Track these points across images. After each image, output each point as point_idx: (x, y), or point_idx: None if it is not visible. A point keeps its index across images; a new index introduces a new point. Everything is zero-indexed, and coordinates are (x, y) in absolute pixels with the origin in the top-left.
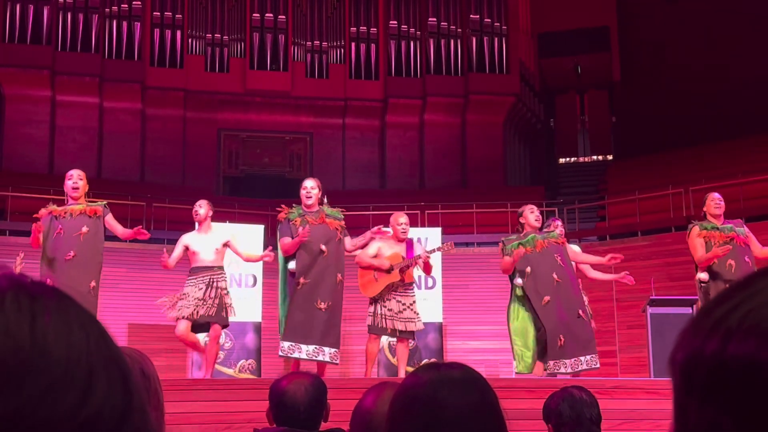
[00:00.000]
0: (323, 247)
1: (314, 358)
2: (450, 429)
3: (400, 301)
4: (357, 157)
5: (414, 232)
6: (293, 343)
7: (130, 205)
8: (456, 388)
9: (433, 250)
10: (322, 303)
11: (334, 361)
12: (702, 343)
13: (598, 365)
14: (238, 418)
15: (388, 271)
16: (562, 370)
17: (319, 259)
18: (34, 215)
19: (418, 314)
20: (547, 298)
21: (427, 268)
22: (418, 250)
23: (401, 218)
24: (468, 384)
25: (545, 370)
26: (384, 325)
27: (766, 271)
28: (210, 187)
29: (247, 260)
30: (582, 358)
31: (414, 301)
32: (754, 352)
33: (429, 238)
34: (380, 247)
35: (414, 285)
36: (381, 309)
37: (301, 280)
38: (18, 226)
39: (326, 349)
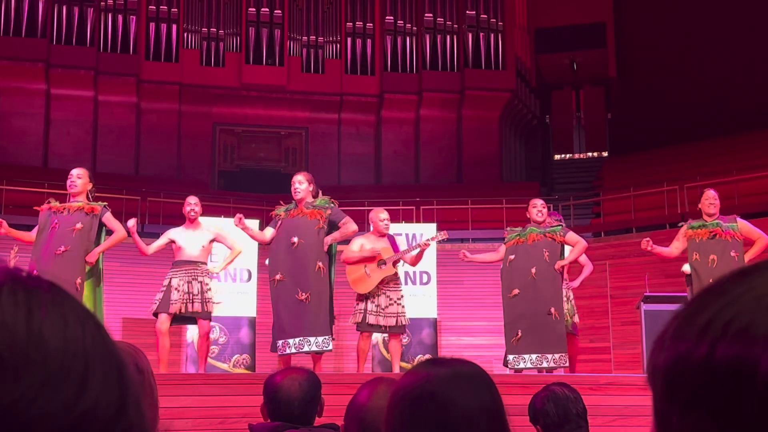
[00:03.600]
0: (294, 240)
1: (300, 350)
2: (461, 427)
3: (389, 296)
4: (352, 152)
5: (409, 228)
6: (283, 341)
7: (124, 199)
8: (469, 385)
9: (428, 242)
10: (303, 294)
11: (324, 349)
12: (687, 349)
13: (566, 363)
14: (233, 413)
15: (379, 265)
16: (521, 365)
17: (290, 252)
18: (35, 207)
19: (404, 308)
20: (516, 291)
21: (418, 259)
22: (402, 245)
23: (382, 214)
24: (479, 382)
25: (506, 365)
26: (373, 322)
27: (736, 275)
28: (205, 181)
29: (239, 252)
30: (548, 356)
31: (401, 296)
32: (741, 356)
33: (424, 234)
34: (362, 244)
35: (400, 280)
36: (369, 305)
37: (276, 277)
38: (12, 219)
39: (312, 338)
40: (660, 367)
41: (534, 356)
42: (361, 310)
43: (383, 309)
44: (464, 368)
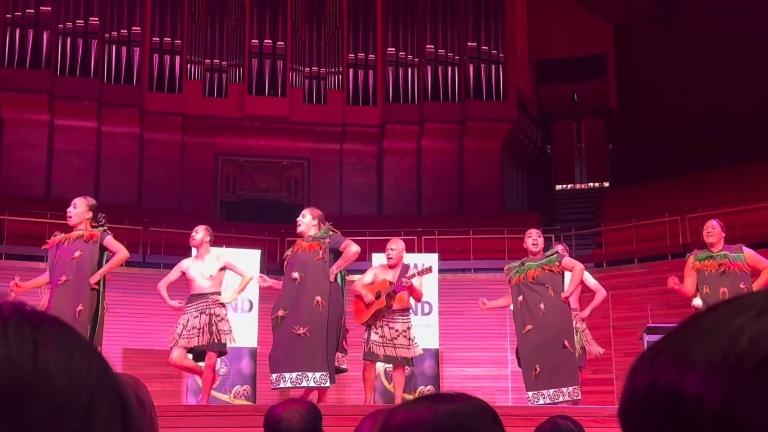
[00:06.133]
0: (295, 275)
1: (298, 385)
2: None
3: (393, 328)
4: (354, 182)
5: (410, 258)
6: (278, 374)
7: (126, 229)
8: (477, 420)
9: (413, 275)
10: (301, 328)
11: (322, 385)
12: (637, 380)
13: (579, 397)
14: None
15: (377, 297)
16: (541, 401)
17: (293, 288)
18: (43, 247)
19: (412, 340)
20: (528, 327)
21: (414, 294)
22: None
23: (392, 245)
24: (483, 416)
25: (528, 401)
26: (376, 352)
27: (693, 315)
28: (207, 211)
29: (249, 279)
30: (564, 389)
31: (409, 328)
32: (677, 380)
33: (425, 264)
34: (376, 274)
35: (410, 311)
36: (373, 335)
37: (279, 313)
38: (15, 249)
39: (311, 374)
40: (620, 406)
41: (551, 391)
42: (364, 339)
43: (390, 340)
44: (468, 403)
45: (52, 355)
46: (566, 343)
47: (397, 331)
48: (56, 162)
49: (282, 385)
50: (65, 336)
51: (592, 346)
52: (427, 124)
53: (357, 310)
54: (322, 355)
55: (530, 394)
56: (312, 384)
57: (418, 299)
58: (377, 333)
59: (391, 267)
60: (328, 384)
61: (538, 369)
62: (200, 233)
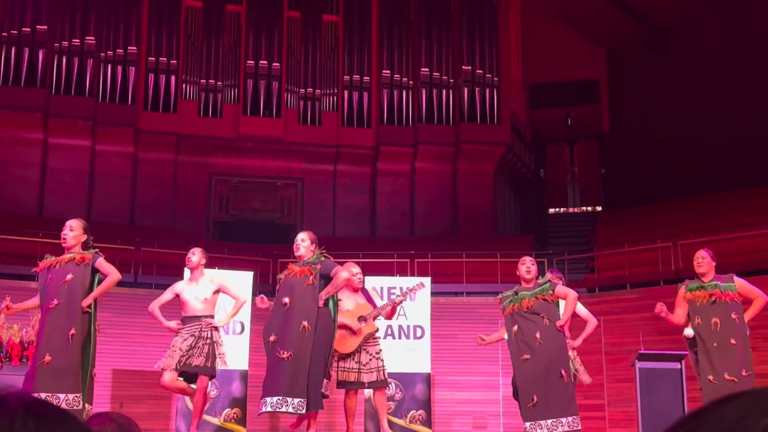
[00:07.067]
0: (285, 300)
1: (278, 409)
2: None
3: (368, 352)
4: (348, 203)
5: (404, 281)
6: (263, 398)
7: (119, 248)
8: None
9: (405, 294)
10: (285, 353)
11: (298, 412)
12: None
13: (579, 427)
14: None
15: (359, 321)
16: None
17: (282, 313)
18: (33, 270)
19: (383, 361)
20: (526, 356)
21: (392, 313)
22: (377, 298)
23: (354, 268)
24: None
25: None
26: (353, 379)
27: (712, 402)
28: (200, 231)
29: (243, 302)
30: (563, 419)
31: (380, 350)
32: None
33: (403, 287)
34: (340, 300)
35: (378, 334)
36: (351, 363)
37: (270, 338)
38: (6, 268)
39: (290, 399)
40: None
41: (549, 421)
42: (343, 368)
43: (364, 365)
44: None
45: None
46: (563, 372)
47: (370, 354)
48: (49, 180)
49: (263, 409)
50: (68, 427)
51: (582, 374)
52: (421, 147)
53: (338, 339)
54: (303, 381)
55: (528, 424)
56: (290, 410)
57: (391, 318)
58: (354, 359)
59: (355, 291)
60: (303, 411)
61: (535, 399)
62: (197, 255)
